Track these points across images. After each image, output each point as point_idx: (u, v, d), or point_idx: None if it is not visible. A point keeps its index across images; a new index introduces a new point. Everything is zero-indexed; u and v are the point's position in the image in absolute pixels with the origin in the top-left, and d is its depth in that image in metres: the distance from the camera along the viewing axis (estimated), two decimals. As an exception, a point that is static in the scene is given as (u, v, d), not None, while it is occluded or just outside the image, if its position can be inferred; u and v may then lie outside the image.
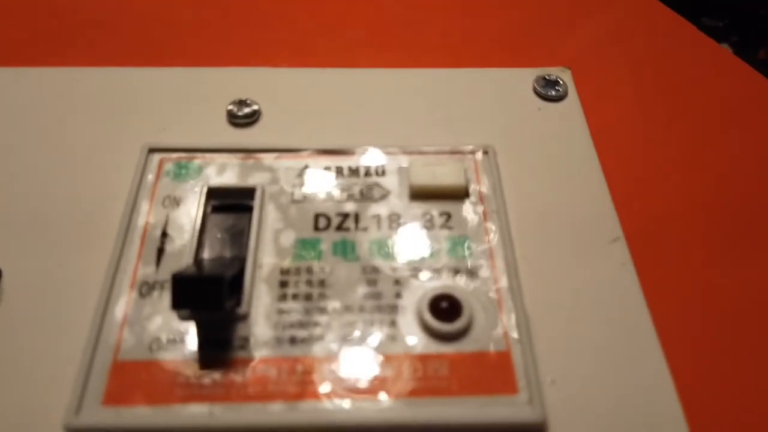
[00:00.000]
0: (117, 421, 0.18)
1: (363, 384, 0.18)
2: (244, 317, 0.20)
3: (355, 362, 0.19)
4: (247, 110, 0.26)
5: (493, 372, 0.19)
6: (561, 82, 0.27)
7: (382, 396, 0.18)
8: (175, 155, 0.24)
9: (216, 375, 0.19)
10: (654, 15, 0.34)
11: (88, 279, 0.21)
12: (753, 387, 0.20)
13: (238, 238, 0.22)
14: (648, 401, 0.19)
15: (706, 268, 0.23)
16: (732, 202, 0.25)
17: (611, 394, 0.19)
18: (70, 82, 0.27)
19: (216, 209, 0.23)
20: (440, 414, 0.18)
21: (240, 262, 0.21)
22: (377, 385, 0.18)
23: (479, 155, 0.24)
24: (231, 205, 0.23)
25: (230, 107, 0.26)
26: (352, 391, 0.18)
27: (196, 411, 0.18)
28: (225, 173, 0.24)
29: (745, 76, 0.31)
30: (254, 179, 0.23)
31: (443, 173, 0.23)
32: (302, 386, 0.18)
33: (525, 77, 0.28)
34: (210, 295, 0.18)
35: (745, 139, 0.27)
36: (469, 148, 0.24)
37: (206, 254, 0.21)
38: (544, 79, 0.27)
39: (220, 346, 0.19)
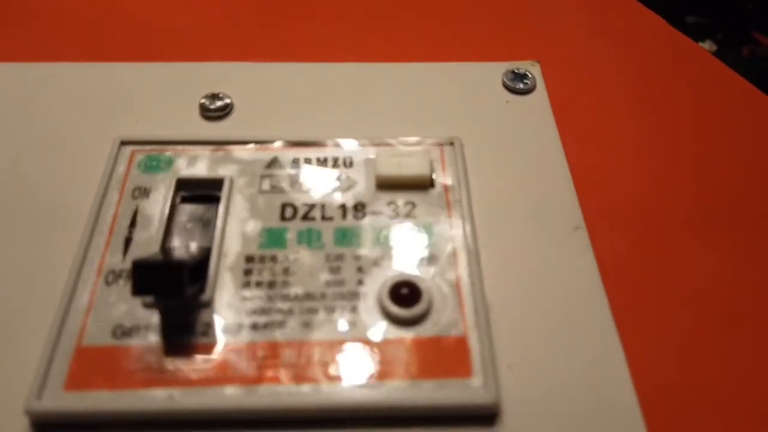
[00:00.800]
0: (78, 405, 0.18)
1: (322, 368, 0.19)
2: (208, 304, 0.20)
3: (314, 347, 0.19)
4: (219, 103, 0.26)
5: (450, 356, 0.19)
6: (530, 76, 0.28)
7: (341, 380, 0.19)
8: (146, 147, 0.24)
9: (178, 360, 0.19)
10: (627, 10, 0.34)
11: (56, 267, 0.21)
12: (707, 372, 0.20)
13: (206, 228, 0.22)
14: (603, 387, 0.19)
15: (665, 256, 0.23)
16: (692, 193, 0.25)
17: (567, 379, 0.19)
18: (46, 78, 0.28)
19: (185, 200, 0.23)
20: (396, 396, 0.18)
21: (206, 251, 0.21)
22: (336, 369, 0.19)
23: (446, 146, 0.25)
24: (200, 196, 0.23)
25: (203, 101, 0.26)
26: (312, 375, 0.19)
27: (157, 395, 0.18)
28: (195, 165, 0.24)
29: (712, 70, 0.31)
30: (224, 170, 0.24)
31: (409, 164, 0.24)
32: (262, 371, 0.19)
33: (495, 71, 0.28)
34: (170, 281, 0.18)
35: (708, 131, 0.28)
36: (436, 139, 0.25)
37: (173, 243, 0.22)
38: (513, 72, 0.28)
39: (183, 332, 0.20)
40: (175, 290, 0.18)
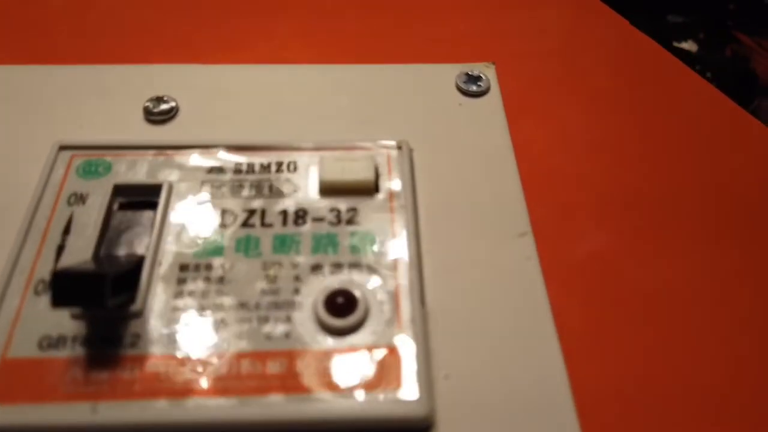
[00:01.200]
0: (2, 419, 0.18)
1: (251, 381, 0.18)
2: (138, 314, 0.20)
3: (244, 359, 0.19)
4: (164, 107, 0.26)
5: (384, 367, 0.19)
6: (483, 78, 0.27)
7: (271, 393, 0.18)
8: (85, 152, 0.24)
9: (104, 372, 0.18)
10: (588, 11, 0.34)
11: (-15, 277, 0.21)
12: (648, 383, 0.20)
13: (142, 235, 0.22)
14: (542, 398, 0.19)
15: (613, 264, 0.23)
16: (643, 199, 0.25)
17: (506, 389, 0.19)
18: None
19: (124, 206, 0.23)
20: (326, 409, 0.18)
21: (139, 259, 0.21)
22: (266, 381, 0.18)
23: (393, 150, 0.24)
24: (139, 202, 0.23)
25: (147, 104, 0.26)
26: (240, 387, 0.18)
27: (80, 408, 0.18)
28: (135, 170, 0.23)
29: (669, 69, 0.31)
30: (164, 176, 0.23)
31: (352, 168, 0.23)
32: (190, 383, 0.18)
33: (449, 73, 0.28)
34: (91, 292, 0.17)
35: (662, 133, 0.27)
36: (384, 143, 0.24)
37: (107, 251, 0.21)
38: (467, 74, 0.27)
39: (111, 343, 0.19)
40: (96, 302, 0.17)
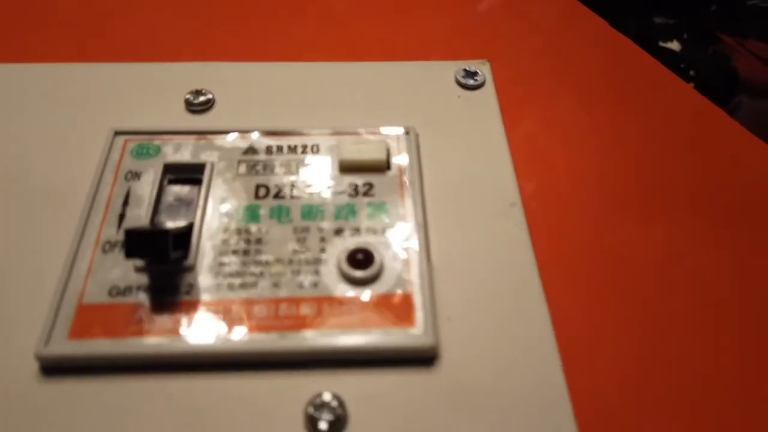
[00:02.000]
0: (79, 350, 0.21)
1: (288, 320, 0.22)
2: (191, 269, 0.23)
3: (282, 303, 0.23)
4: (202, 98, 0.30)
5: (397, 310, 0.23)
6: (479, 73, 0.31)
7: (304, 329, 0.22)
8: (137, 137, 0.28)
9: (164, 314, 0.22)
10: (571, 13, 0.38)
11: (60, 239, 0.24)
12: (624, 336, 0.24)
13: (190, 206, 0.26)
14: (528, 338, 0.23)
15: (593, 232, 0.27)
16: (627, 178, 0.29)
17: (497, 330, 0.23)
18: (49, 77, 0.31)
19: (172, 182, 0.27)
20: (351, 341, 0.22)
21: (189, 224, 0.25)
22: (300, 321, 0.22)
23: (402, 135, 0.28)
24: (185, 178, 0.27)
25: (187, 96, 0.30)
26: (279, 325, 0.22)
27: (148, 342, 0.22)
28: (181, 152, 0.27)
29: (647, 67, 0.35)
30: (205, 156, 0.27)
31: (368, 149, 0.27)
32: (237, 322, 0.22)
33: (449, 69, 0.32)
34: (156, 245, 0.21)
35: (646, 125, 0.31)
36: (393, 129, 0.28)
37: (161, 219, 0.25)
38: (465, 70, 0.31)
39: (170, 292, 0.23)
40: (160, 253, 0.21)
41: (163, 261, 0.23)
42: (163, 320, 0.22)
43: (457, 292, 0.24)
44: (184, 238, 0.24)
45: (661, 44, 0.73)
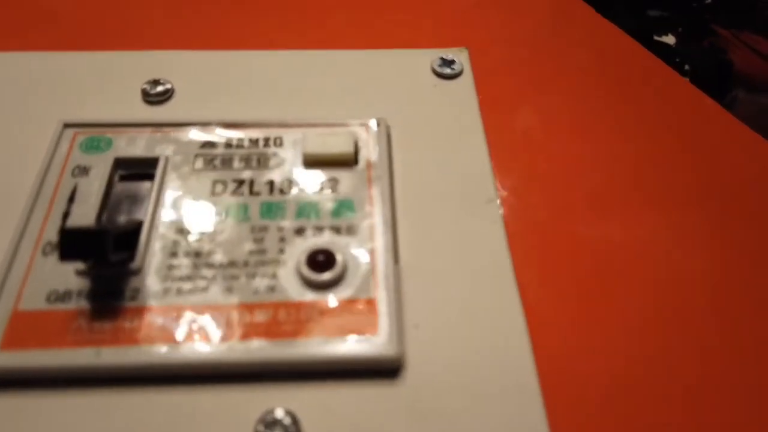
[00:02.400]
0: (12, 362, 0.19)
1: (240, 329, 0.20)
2: (137, 272, 0.22)
3: (234, 310, 0.21)
4: (160, 89, 0.28)
5: (360, 316, 0.21)
6: (457, 62, 0.29)
7: (256, 338, 0.20)
8: (88, 130, 0.26)
9: (106, 322, 0.20)
10: (560, 1, 0.36)
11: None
12: (605, 341, 0.22)
13: (140, 203, 0.24)
14: (501, 346, 0.21)
15: (572, 229, 0.25)
16: (607, 172, 0.27)
17: (469, 338, 0.21)
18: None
19: (124, 178, 0.25)
20: (309, 352, 0.20)
21: (138, 223, 0.23)
22: (253, 329, 0.20)
23: (371, 127, 0.26)
24: (138, 174, 0.25)
25: (144, 86, 0.28)
26: (230, 334, 0.20)
27: (85, 352, 0.20)
28: (134, 145, 0.25)
29: (634, 53, 0.33)
30: (160, 150, 0.25)
31: (333, 142, 0.25)
32: (185, 331, 0.20)
33: (425, 57, 0.30)
34: (94, 246, 0.19)
35: (630, 113, 0.30)
36: (363, 120, 0.26)
37: (108, 217, 0.23)
38: (442, 58, 0.29)
39: (113, 297, 0.21)
40: (99, 255, 0.19)
41: (103, 263, 0.21)
42: (105, 328, 0.20)
43: (426, 297, 0.22)
44: (130, 238, 0.22)
45: (656, 38, 0.72)
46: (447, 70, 0.29)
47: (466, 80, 0.29)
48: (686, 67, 0.68)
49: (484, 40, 0.32)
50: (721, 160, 0.28)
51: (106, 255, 0.20)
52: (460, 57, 0.30)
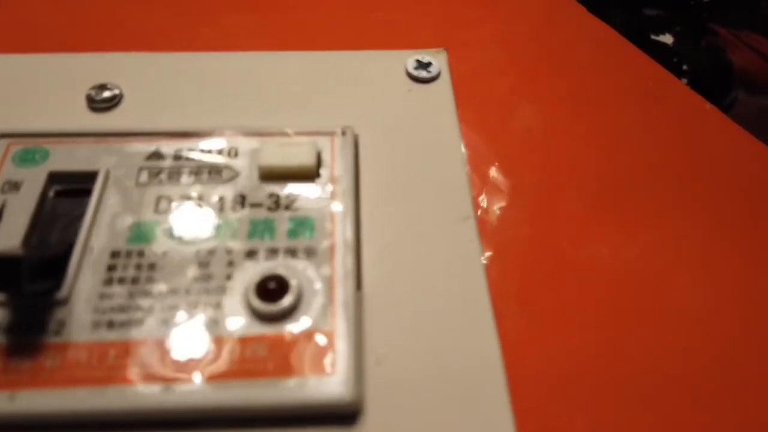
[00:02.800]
0: None
1: (175, 368, 0.18)
2: (64, 301, 0.19)
3: (169, 346, 0.18)
4: (107, 94, 0.25)
5: (314, 353, 0.18)
6: (433, 64, 0.27)
7: (194, 379, 0.18)
8: (23, 140, 0.23)
9: (25, 360, 0.18)
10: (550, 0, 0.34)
11: None
12: (584, 373, 0.19)
13: (76, 222, 0.21)
14: (475, 385, 0.18)
15: (557, 249, 0.22)
16: (589, 186, 0.25)
17: (440, 376, 0.19)
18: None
19: (60, 194, 0.22)
20: (251, 396, 0.17)
21: (68, 245, 0.20)
22: (190, 368, 0.18)
23: (337, 136, 0.24)
24: (76, 189, 0.22)
25: (90, 92, 0.25)
26: (163, 375, 0.18)
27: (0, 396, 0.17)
28: (73, 158, 0.23)
29: (622, 53, 0.30)
30: (102, 163, 0.23)
31: (293, 154, 0.23)
32: (113, 371, 0.18)
33: (399, 59, 0.27)
34: (5, 275, 0.17)
35: (614, 118, 0.27)
36: (328, 129, 0.24)
37: (39, 238, 0.21)
38: (418, 61, 0.27)
39: (34, 331, 0.19)
40: (9, 285, 0.17)
41: (18, 293, 0.18)
42: (22, 368, 0.18)
43: (391, 328, 0.19)
44: (59, 263, 0.20)
45: (653, 38, 0.69)
46: (423, 73, 0.26)
47: (444, 84, 0.26)
48: (684, 67, 0.66)
49: (465, 41, 0.30)
50: (716, 162, 0.26)
51: (18, 284, 0.17)
52: (438, 59, 0.27)
